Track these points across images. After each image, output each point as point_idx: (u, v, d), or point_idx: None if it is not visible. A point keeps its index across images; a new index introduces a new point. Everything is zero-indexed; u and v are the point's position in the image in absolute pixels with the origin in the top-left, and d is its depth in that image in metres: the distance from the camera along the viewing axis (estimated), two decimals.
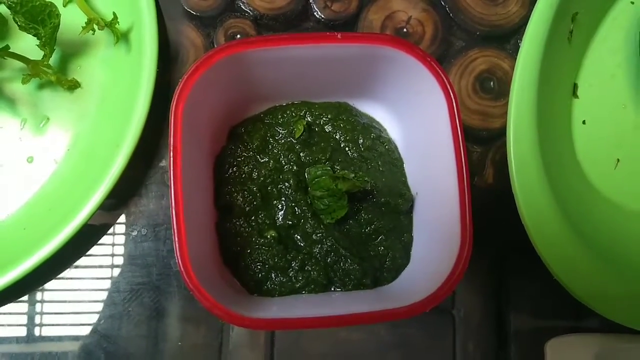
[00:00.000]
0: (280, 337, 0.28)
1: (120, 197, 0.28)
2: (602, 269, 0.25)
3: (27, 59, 0.27)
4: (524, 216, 0.25)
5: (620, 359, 0.26)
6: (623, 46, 0.29)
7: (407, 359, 0.28)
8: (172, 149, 0.22)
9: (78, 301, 0.28)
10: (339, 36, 0.24)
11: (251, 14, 0.30)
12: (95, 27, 0.27)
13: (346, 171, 0.25)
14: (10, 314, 0.28)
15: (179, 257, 0.22)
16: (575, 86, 0.29)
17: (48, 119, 0.28)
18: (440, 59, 0.30)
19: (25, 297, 0.28)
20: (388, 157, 0.26)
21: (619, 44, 0.29)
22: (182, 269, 0.22)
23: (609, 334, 0.26)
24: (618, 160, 0.29)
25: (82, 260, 0.28)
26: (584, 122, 0.29)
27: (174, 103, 0.22)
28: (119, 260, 0.28)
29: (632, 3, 0.30)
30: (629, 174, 0.29)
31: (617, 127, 0.29)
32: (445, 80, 0.23)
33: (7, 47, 0.26)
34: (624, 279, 0.25)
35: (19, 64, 0.27)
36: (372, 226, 0.26)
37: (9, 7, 0.26)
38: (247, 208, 0.25)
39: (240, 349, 0.28)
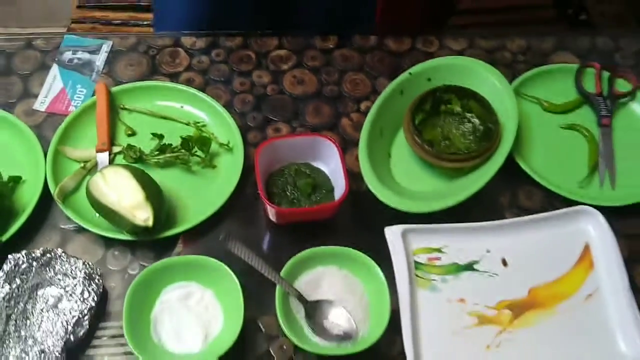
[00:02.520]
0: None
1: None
2: (400, 200, 0.75)
3: (204, 158, 0.78)
4: (371, 191, 0.75)
5: (415, 232, 0.74)
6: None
7: None
8: (257, 177, 0.73)
9: None
10: (300, 134, 0.77)
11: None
12: (224, 146, 0.80)
13: (308, 180, 0.76)
14: None
15: (262, 196, 0.71)
16: (389, 153, 0.82)
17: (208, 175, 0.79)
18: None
19: None
20: (325, 176, 0.77)
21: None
22: (263, 198, 0.71)
23: (410, 224, 0.74)
24: (408, 176, 0.80)
25: None
26: (394, 165, 0.81)
27: (255, 160, 0.74)
28: None
29: None
30: (410, 180, 0.80)
31: (407, 163, 0.81)
32: (338, 149, 0.75)
33: (199, 156, 0.78)
34: (402, 198, 0.75)
35: (197, 159, 0.79)
36: (320, 196, 0.76)
37: (196, 146, 0.78)
38: (277, 194, 0.75)
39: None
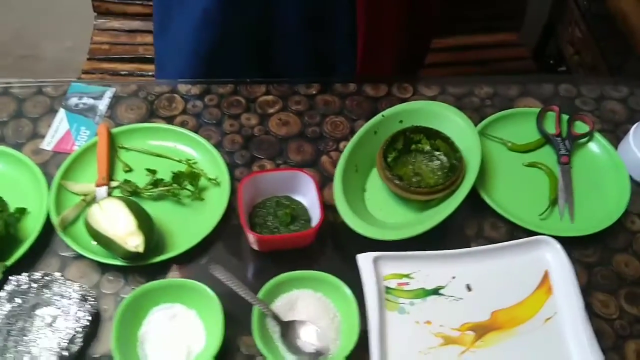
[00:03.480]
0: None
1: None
2: (372, 228, 0.81)
3: (194, 192, 0.86)
4: (345, 221, 0.82)
5: (385, 259, 0.80)
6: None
7: None
8: (240, 208, 0.80)
9: None
10: (280, 168, 0.85)
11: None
12: (212, 181, 0.87)
13: (287, 211, 0.83)
14: None
15: (243, 224, 0.78)
16: (364, 188, 0.89)
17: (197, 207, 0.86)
18: (324, 182, 0.90)
19: None
20: (303, 208, 0.84)
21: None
22: (244, 226, 0.78)
23: (381, 252, 0.80)
24: (381, 208, 0.87)
25: None
26: (368, 199, 0.88)
27: (239, 193, 0.81)
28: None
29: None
30: (383, 212, 0.87)
31: (380, 196, 0.88)
32: (315, 182, 0.82)
33: (189, 189, 0.86)
34: (373, 227, 0.81)
35: (187, 192, 0.86)
36: (299, 225, 0.82)
37: (187, 181, 0.86)
38: (259, 224, 0.82)
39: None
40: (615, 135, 0.98)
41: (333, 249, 0.85)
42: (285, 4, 0.95)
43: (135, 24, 1.61)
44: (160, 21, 1.05)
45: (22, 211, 0.83)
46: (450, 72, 1.51)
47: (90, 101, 0.98)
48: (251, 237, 0.79)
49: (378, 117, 0.92)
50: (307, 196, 0.85)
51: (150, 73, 1.51)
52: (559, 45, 1.75)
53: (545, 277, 0.81)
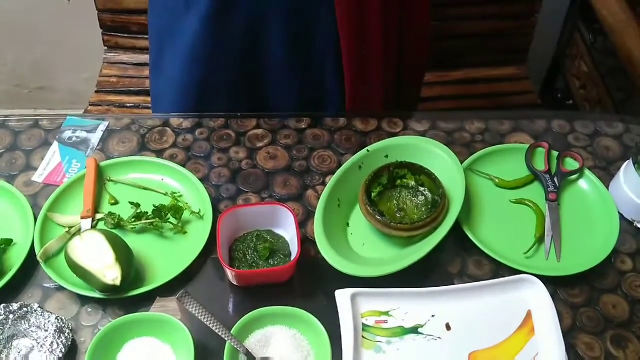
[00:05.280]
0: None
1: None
2: (350, 264, 0.81)
3: (176, 225, 0.87)
4: (324, 257, 0.82)
5: (364, 296, 0.79)
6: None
7: None
8: (218, 242, 0.81)
9: None
10: (260, 202, 0.85)
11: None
12: (195, 214, 0.88)
13: (266, 245, 0.83)
14: None
15: (220, 259, 0.78)
16: (347, 222, 0.89)
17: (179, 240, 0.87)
18: (308, 216, 0.89)
19: None
20: (284, 242, 0.84)
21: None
22: (221, 260, 0.78)
23: (360, 288, 0.79)
24: (364, 243, 0.86)
25: None
26: (351, 233, 0.88)
27: (218, 227, 0.81)
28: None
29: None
30: (366, 247, 0.86)
31: (363, 231, 0.88)
32: (294, 216, 0.82)
33: (171, 222, 0.86)
34: (352, 263, 0.81)
35: (170, 225, 0.87)
36: (277, 260, 0.82)
37: (170, 214, 0.87)
38: (238, 258, 0.82)
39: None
40: (608, 172, 0.97)
41: (314, 284, 0.84)
42: (268, 40, 0.97)
43: (144, 57, 1.64)
44: (154, 57, 1.08)
45: (7, 242, 0.84)
46: (452, 105, 1.50)
47: (84, 134, 1.00)
48: (228, 272, 0.79)
49: (363, 151, 0.92)
50: (288, 230, 0.85)
51: None
52: (566, 78, 1.74)
53: (528, 317, 0.79)
